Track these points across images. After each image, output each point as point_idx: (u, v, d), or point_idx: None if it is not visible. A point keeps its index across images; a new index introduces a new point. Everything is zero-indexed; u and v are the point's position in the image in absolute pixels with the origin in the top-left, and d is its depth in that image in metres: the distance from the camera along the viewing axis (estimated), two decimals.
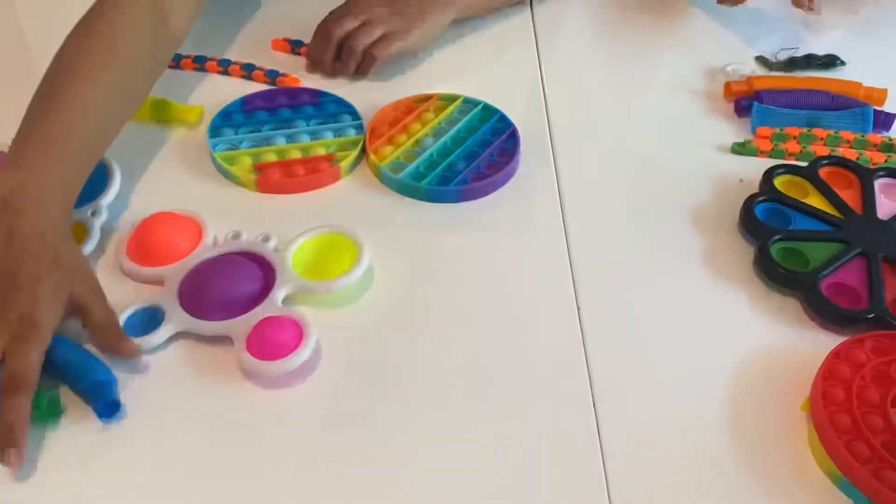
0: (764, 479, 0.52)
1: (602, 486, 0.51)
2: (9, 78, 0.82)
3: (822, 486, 0.51)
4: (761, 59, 0.88)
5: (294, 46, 0.86)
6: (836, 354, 0.55)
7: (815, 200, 0.69)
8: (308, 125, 0.76)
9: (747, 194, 0.69)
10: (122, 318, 0.58)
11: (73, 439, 0.52)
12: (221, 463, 0.52)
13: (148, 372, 0.56)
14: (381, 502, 0.50)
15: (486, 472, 0.51)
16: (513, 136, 0.75)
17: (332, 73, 0.82)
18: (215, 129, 0.75)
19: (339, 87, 0.80)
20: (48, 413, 0.52)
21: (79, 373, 0.53)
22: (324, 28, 0.82)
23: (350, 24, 0.81)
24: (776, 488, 0.51)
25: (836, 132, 0.76)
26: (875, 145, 0.76)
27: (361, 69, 0.81)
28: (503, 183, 0.72)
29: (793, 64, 0.86)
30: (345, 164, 0.72)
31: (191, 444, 0.52)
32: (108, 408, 0.52)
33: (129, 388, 0.55)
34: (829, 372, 0.54)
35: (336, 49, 0.81)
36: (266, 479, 0.51)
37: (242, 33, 0.90)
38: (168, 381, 0.56)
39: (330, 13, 0.82)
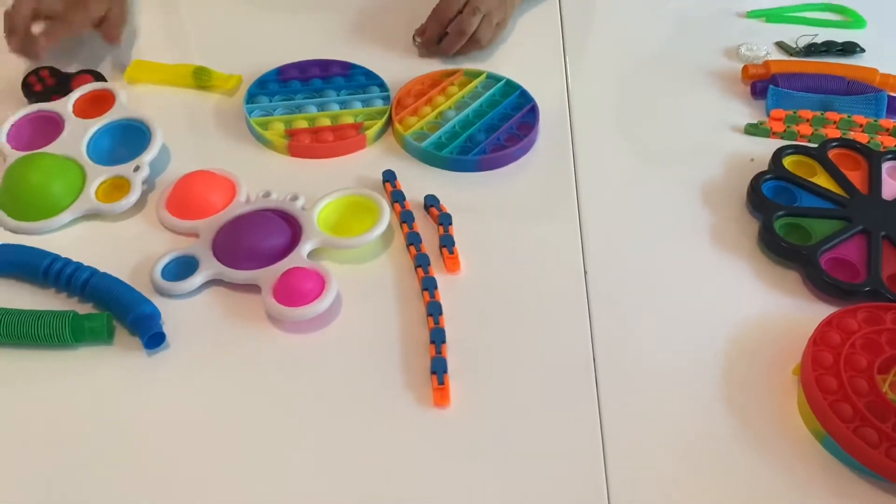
0: (753, 434, 0.55)
1: (598, 439, 0.54)
2: None
3: (807, 443, 0.54)
4: (782, 45, 0.90)
5: None
6: (828, 322, 0.58)
7: (822, 180, 0.71)
8: (338, 95, 0.80)
9: (757, 172, 0.72)
10: (159, 266, 0.63)
11: (123, 364, 0.58)
12: (248, 394, 0.57)
13: (185, 313, 0.61)
14: (387, 442, 0.54)
15: (487, 419, 0.55)
16: (532, 111, 0.78)
17: (435, 52, 0.85)
18: (252, 96, 0.79)
19: (370, 60, 0.84)
20: (106, 331, 0.58)
21: (127, 305, 0.59)
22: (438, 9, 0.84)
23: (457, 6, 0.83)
24: (763, 443, 0.55)
25: (849, 116, 0.78)
26: (887, 130, 0.78)
27: (462, 51, 0.84)
28: (521, 155, 0.75)
29: (812, 50, 0.88)
30: (371, 132, 0.76)
31: (223, 375, 0.58)
32: (153, 338, 0.58)
33: (169, 326, 0.59)
34: (819, 338, 0.57)
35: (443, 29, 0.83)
36: (285, 411, 0.56)
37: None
38: (203, 321, 0.61)
39: None
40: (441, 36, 0.83)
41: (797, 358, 0.58)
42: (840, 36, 0.90)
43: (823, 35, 0.90)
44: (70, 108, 0.74)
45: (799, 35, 0.90)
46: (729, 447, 0.55)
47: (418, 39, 0.86)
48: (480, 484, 0.52)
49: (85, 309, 0.61)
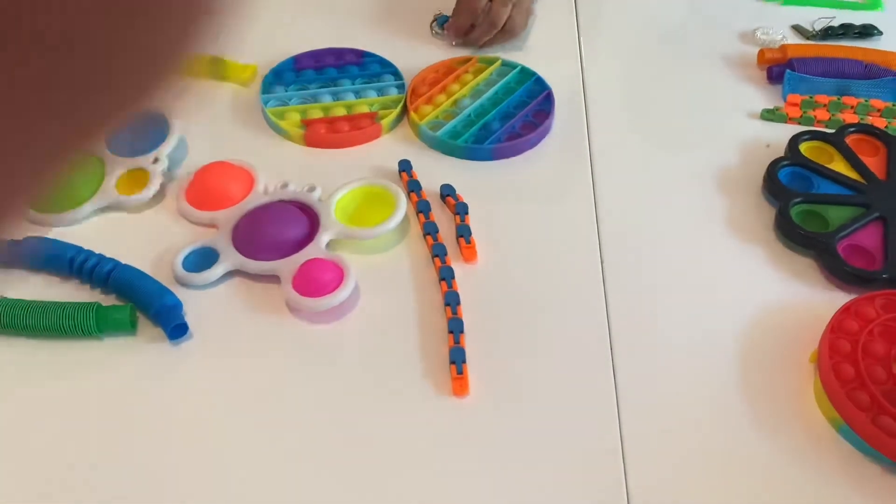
0: (769, 423, 0.55)
1: (615, 427, 0.55)
2: None
3: (823, 431, 0.55)
4: (798, 28, 0.89)
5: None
6: (845, 310, 0.58)
7: (840, 166, 0.71)
8: (353, 84, 0.80)
9: (773, 158, 0.72)
10: (179, 257, 0.63)
11: (147, 355, 0.59)
12: (269, 382, 0.57)
13: (205, 304, 0.62)
14: (405, 432, 0.55)
15: (506, 408, 0.56)
16: (548, 98, 0.78)
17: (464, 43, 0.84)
18: (267, 86, 0.79)
19: (384, 48, 0.84)
20: (129, 322, 0.59)
21: (150, 297, 0.59)
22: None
23: None
24: (779, 432, 0.55)
25: (866, 101, 0.78)
26: None
27: (495, 41, 0.84)
28: (537, 142, 0.75)
29: (829, 33, 0.87)
30: (386, 121, 0.76)
31: (244, 364, 0.58)
32: (177, 329, 0.59)
33: (191, 316, 0.60)
34: (837, 325, 0.57)
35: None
36: (305, 400, 0.56)
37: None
38: (224, 312, 0.61)
39: None
40: (471, 26, 0.83)
41: (813, 346, 0.58)
42: (858, 18, 0.89)
43: (841, 18, 0.89)
44: None
45: (816, 18, 0.89)
46: (745, 435, 0.55)
47: (435, 27, 0.86)
48: (498, 473, 0.53)
49: (108, 300, 0.62)
